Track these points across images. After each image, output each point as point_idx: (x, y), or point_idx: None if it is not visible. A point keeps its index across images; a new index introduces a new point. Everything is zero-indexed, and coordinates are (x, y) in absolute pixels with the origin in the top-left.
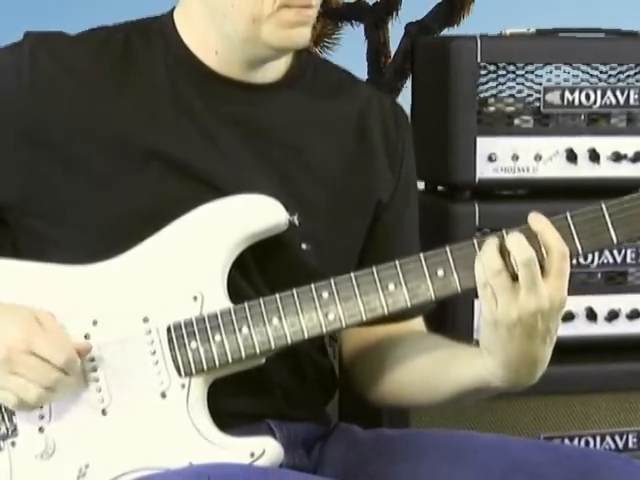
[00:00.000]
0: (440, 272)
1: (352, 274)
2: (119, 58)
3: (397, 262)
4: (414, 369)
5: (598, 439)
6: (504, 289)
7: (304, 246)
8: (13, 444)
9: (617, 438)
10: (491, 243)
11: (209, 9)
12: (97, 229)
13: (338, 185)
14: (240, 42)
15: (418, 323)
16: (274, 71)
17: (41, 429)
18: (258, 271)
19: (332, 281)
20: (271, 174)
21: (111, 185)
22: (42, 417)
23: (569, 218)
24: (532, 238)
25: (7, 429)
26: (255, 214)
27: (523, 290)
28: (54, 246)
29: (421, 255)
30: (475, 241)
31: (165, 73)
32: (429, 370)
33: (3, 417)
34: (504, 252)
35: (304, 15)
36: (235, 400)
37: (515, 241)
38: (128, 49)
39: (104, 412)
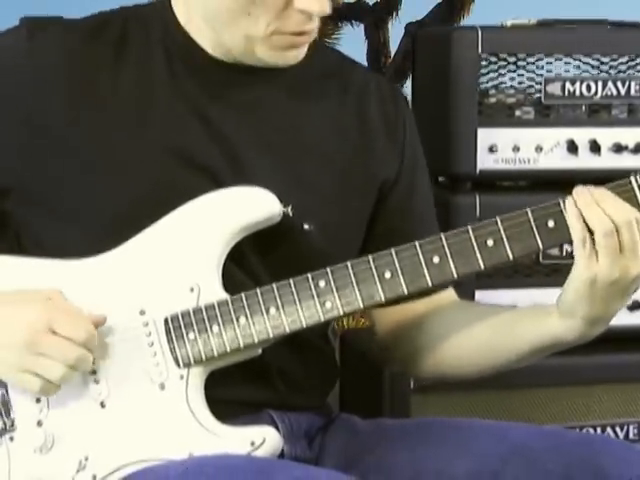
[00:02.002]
0: (436, 259)
1: (348, 262)
2: (116, 43)
3: (393, 250)
4: (466, 338)
5: (599, 430)
6: (613, 250)
7: (306, 226)
8: (11, 439)
9: (618, 429)
10: (587, 196)
11: (208, 17)
12: (95, 217)
13: (338, 166)
14: (236, 51)
15: (450, 294)
16: None
17: (39, 423)
18: (256, 258)
19: (329, 270)
20: (271, 158)
21: (109, 174)
22: (40, 411)
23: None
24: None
25: (4, 424)
26: (249, 206)
27: (628, 252)
28: (51, 236)
29: (416, 242)
30: (470, 227)
31: (163, 58)
32: (488, 337)
33: (0, 412)
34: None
35: (297, 41)
36: (235, 390)
37: (613, 201)
38: (125, 34)
39: (102, 404)
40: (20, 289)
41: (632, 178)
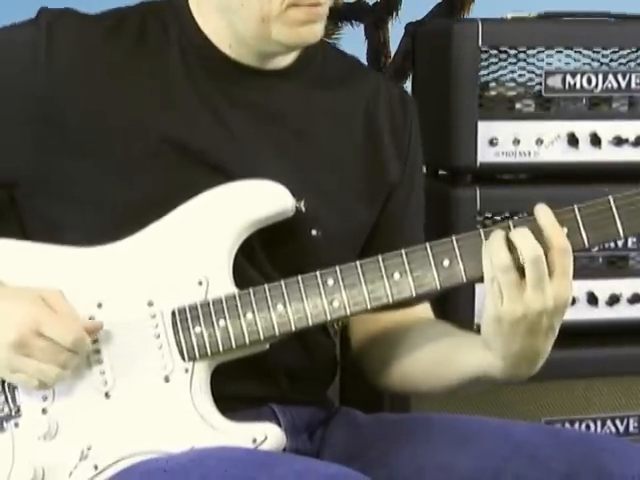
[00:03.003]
0: (446, 262)
1: (357, 262)
2: (134, 40)
3: (403, 251)
4: (420, 357)
5: (599, 423)
6: (511, 286)
7: (314, 232)
8: (16, 425)
9: (618, 422)
10: (498, 237)
11: (220, 5)
12: (106, 212)
13: (347, 171)
14: (251, 39)
15: (425, 309)
16: (286, 58)
17: (44, 410)
18: (266, 256)
19: (337, 268)
20: (282, 159)
21: (123, 169)
22: (45, 399)
23: (576, 210)
24: (538, 232)
25: (10, 410)
26: (261, 199)
27: (529, 288)
28: (60, 228)
29: (427, 244)
30: (482, 231)
31: (179, 57)
32: (434, 358)
33: (7, 398)
34: (511, 245)
35: (313, 13)
36: (238, 384)
37: (523, 237)
38: (143, 31)
39: (107, 395)
40: (18, 283)
41: (575, 206)
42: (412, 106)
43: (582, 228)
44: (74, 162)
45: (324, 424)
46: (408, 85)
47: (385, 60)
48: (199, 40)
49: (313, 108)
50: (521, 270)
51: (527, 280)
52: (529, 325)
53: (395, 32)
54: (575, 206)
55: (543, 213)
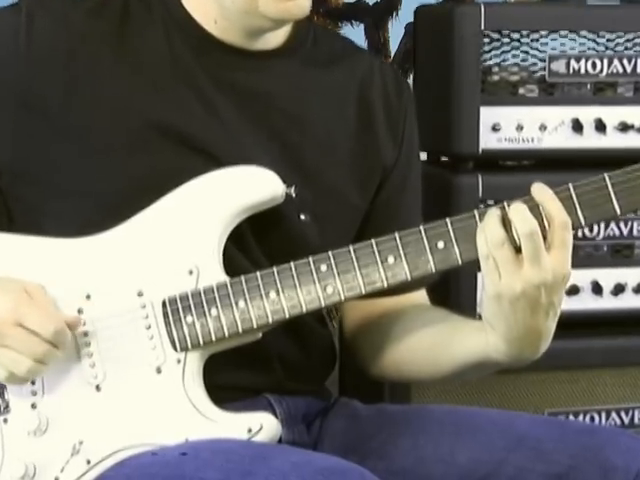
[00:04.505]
0: (440, 244)
1: (351, 247)
2: (117, 21)
3: (397, 234)
4: (416, 343)
5: (603, 415)
6: (507, 261)
7: (303, 217)
8: (5, 421)
9: (623, 414)
10: (493, 214)
11: None
12: (92, 201)
13: (339, 154)
14: (238, 13)
15: (421, 296)
16: (274, 39)
17: (34, 405)
18: (256, 243)
19: (330, 254)
20: (271, 143)
21: (109, 155)
22: (35, 393)
23: (571, 189)
24: (535, 209)
25: None
26: (252, 186)
27: (526, 262)
28: (45, 218)
29: (421, 227)
30: (476, 212)
31: (164, 38)
32: (431, 344)
33: None
34: (507, 223)
35: None
36: (232, 374)
37: (517, 212)
38: (126, 12)
39: (98, 388)
40: (4, 274)
41: (570, 185)
42: (407, 88)
43: (578, 207)
44: (58, 149)
45: (322, 415)
46: (410, 82)
47: (385, 60)
48: (185, 20)
49: (304, 90)
50: (517, 247)
51: (524, 254)
52: (529, 302)
53: (395, 32)
54: (570, 184)
55: (539, 189)
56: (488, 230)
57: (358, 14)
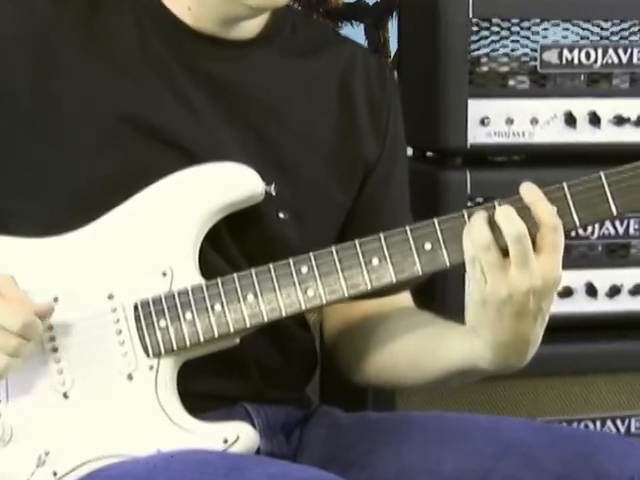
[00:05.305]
0: (428, 245)
1: (333, 247)
2: (86, 9)
3: (381, 235)
4: (400, 348)
5: (598, 424)
6: (493, 266)
7: (282, 215)
8: None
9: (619, 423)
10: (480, 216)
11: None
12: (62, 199)
13: (320, 148)
14: (214, 0)
15: (405, 298)
16: (251, 27)
17: None
18: (233, 243)
19: (312, 255)
20: (248, 137)
21: (79, 150)
22: None
23: (565, 188)
24: (524, 210)
25: None
26: (230, 184)
27: (513, 267)
28: (12, 215)
29: (407, 227)
30: (465, 212)
31: (135, 26)
32: (415, 350)
33: None
34: (494, 226)
35: None
36: (208, 381)
37: (504, 214)
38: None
39: (66, 395)
40: None
41: (565, 184)
42: (391, 77)
43: (572, 207)
44: (28, 146)
45: (302, 424)
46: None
47: (385, 60)
48: (156, 8)
49: (282, 80)
50: (505, 251)
51: (511, 258)
52: (515, 307)
53: (395, 32)
54: (564, 184)
55: (528, 189)
56: (474, 232)
57: (358, 14)
